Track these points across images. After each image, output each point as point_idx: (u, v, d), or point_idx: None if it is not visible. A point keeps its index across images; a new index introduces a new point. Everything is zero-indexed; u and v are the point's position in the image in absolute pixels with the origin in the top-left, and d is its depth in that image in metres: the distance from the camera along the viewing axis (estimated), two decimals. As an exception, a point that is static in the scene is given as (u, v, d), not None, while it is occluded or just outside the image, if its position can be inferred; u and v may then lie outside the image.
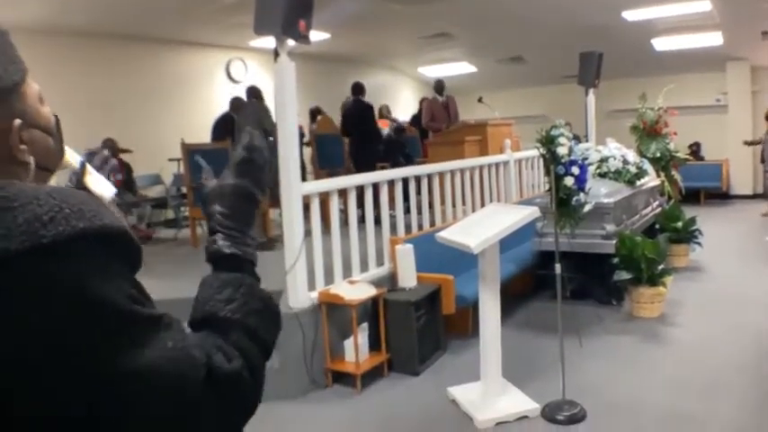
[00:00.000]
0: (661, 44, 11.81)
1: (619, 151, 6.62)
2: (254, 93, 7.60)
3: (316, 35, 4.24)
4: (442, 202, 5.99)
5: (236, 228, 0.99)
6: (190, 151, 7.26)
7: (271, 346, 0.95)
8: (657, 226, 7.19)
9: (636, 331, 5.16)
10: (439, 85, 9.27)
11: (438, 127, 8.77)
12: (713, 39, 11.37)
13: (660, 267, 5.48)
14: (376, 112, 9.04)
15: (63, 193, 0.77)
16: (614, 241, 5.55)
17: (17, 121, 0.84)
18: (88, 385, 0.72)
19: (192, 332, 0.88)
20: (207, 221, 1.01)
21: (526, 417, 3.74)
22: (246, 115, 7.15)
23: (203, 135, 8.42)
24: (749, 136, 13.03)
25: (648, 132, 8.12)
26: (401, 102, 14.11)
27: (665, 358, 4.63)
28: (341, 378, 4.42)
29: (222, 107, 8.83)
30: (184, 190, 7.88)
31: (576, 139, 5.02)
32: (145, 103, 9.27)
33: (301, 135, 7.53)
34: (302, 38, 4.23)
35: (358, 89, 8.41)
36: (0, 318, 0.70)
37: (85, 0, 7.39)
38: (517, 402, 3.84)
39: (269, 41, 4.40)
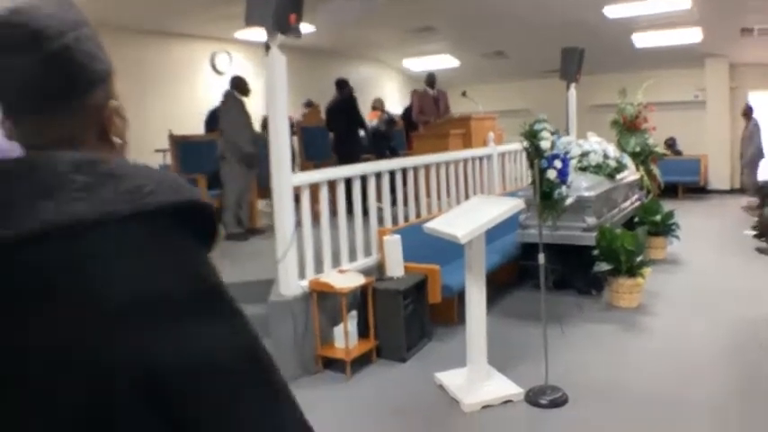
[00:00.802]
0: (641, 40, 12.00)
1: (600, 145, 6.77)
2: (237, 85, 7.02)
3: (302, 27, 4.30)
4: (428, 194, 6.11)
5: None
6: (177, 143, 7.32)
7: None
8: (637, 219, 7.37)
9: (615, 320, 5.33)
10: (430, 79, 9.36)
11: (427, 120, 8.89)
12: (692, 35, 11.58)
13: (638, 259, 5.64)
14: (368, 106, 9.12)
15: (158, 170, 0.84)
16: (595, 233, 5.69)
17: (114, 102, 0.93)
18: (177, 346, 0.75)
19: None
20: None
21: (510, 401, 3.89)
22: (230, 116, 6.84)
23: (189, 126, 8.46)
24: (727, 131, 13.32)
25: (628, 127, 8.30)
26: (386, 94, 14.18)
27: (643, 346, 4.80)
28: (331, 364, 4.54)
29: (207, 99, 8.87)
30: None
31: (556, 133, 5.15)
32: (130, 94, 8.95)
33: (291, 126, 7.53)
34: (293, 31, 4.30)
35: (341, 84, 8.50)
36: (100, 276, 0.75)
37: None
38: (502, 387, 3.98)
39: (254, 33, 4.44)
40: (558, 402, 3.83)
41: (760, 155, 11.93)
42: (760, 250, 7.79)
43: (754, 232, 8.59)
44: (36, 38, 0.83)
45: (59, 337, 0.74)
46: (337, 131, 8.38)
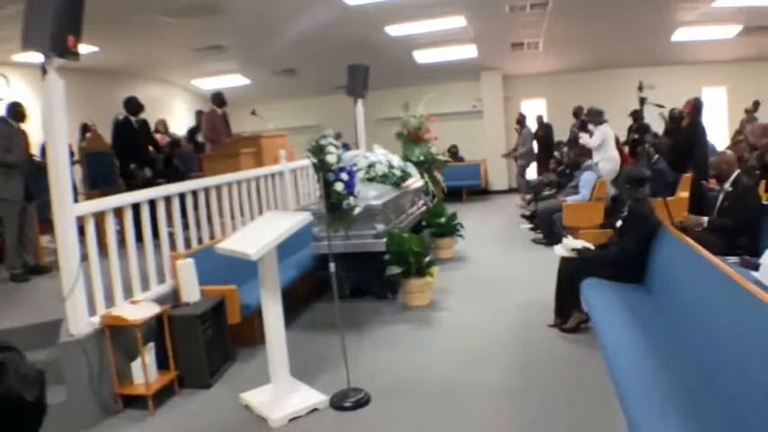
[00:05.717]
0: (422, 56, 12.83)
1: (384, 156, 7.15)
2: (11, 112, 6.46)
3: (84, 48, 4.09)
4: (221, 214, 6.05)
5: None
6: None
7: None
8: (424, 223, 7.86)
9: (410, 319, 5.67)
10: (218, 98, 9.25)
11: (218, 139, 8.78)
12: (469, 51, 12.63)
13: (426, 259, 6.05)
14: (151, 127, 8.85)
15: None
16: (385, 239, 5.99)
17: None
18: None
19: None
20: None
21: (316, 409, 3.99)
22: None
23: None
24: (503, 137, 14.63)
25: (412, 138, 8.83)
26: (175, 114, 13.84)
27: (436, 339, 5.15)
28: (132, 401, 4.31)
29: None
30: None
31: (345, 147, 5.40)
32: None
33: (71, 154, 7.08)
34: (72, 54, 4.07)
35: (130, 105, 8.14)
36: None
37: None
38: (307, 397, 4.08)
39: (34, 56, 4.16)
40: (362, 403, 4.01)
41: (531, 158, 13.31)
42: (535, 241, 8.68)
43: (530, 225, 9.58)
44: None
45: None
46: (121, 155, 8.05)
